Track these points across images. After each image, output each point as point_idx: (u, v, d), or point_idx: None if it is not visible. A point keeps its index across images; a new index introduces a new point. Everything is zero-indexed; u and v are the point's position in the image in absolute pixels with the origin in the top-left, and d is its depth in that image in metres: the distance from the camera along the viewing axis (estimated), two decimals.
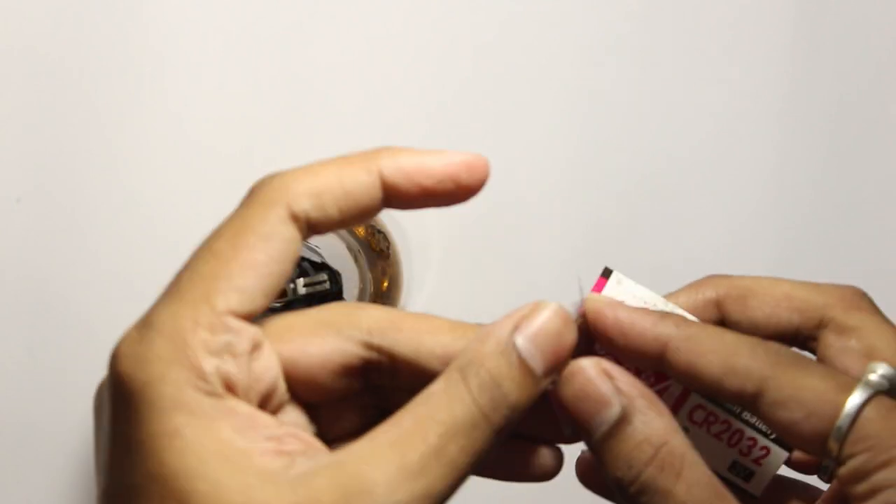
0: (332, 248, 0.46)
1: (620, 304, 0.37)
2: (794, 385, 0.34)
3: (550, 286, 0.61)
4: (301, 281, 0.43)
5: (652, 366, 0.36)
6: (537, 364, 0.33)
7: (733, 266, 0.62)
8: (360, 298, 0.48)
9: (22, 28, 0.60)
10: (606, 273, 0.37)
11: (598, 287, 0.37)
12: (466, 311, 0.61)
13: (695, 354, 0.35)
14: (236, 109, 0.61)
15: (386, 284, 0.52)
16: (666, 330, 0.36)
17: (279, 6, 0.60)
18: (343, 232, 0.49)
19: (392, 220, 0.55)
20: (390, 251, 0.52)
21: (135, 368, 0.32)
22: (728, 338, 0.35)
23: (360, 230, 0.51)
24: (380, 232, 0.52)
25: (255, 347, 0.33)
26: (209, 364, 0.31)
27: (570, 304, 0.36)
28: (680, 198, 0.61)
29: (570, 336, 0.34)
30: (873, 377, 0.34)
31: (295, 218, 0.34)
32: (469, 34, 0.61)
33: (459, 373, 0.33)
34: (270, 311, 0.44)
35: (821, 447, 0.33)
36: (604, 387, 0.34)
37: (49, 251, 0.60)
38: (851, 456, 0.33)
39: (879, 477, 0.32)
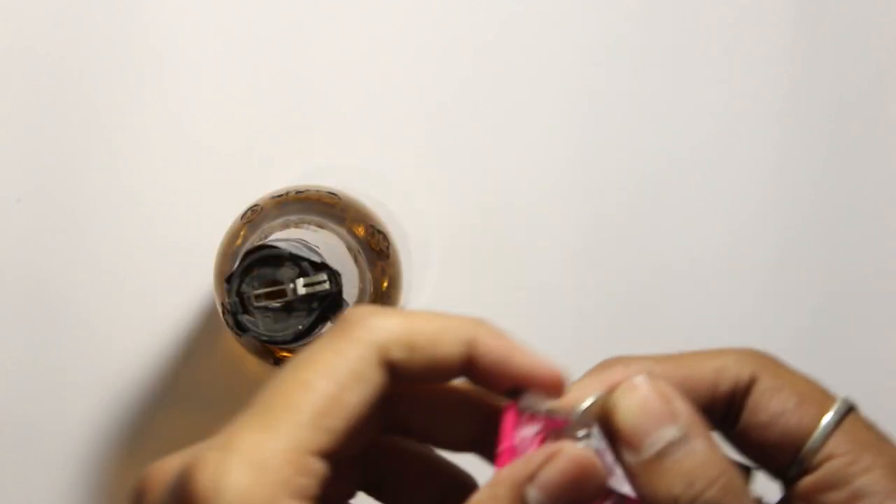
0: (332, 248, 0.46)
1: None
2: (787, 378, 0.35)
3: (550, 286, 0.61)
4: (301, 281, 0.43)
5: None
6: None
7: (733, 266, 0.62)
8: (360, 298, 0.48)
9: (22, 28, 0.60)
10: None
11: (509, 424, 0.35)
12: (466, 312, 0.61)
13: (687, 367, 0.35)
14: (236, 109, 0.61)
15: (386, 284, 0.52)
16: (623, 370, 0.35)
17: (279, 6, 0.60)
18: (343, 232, 0.49)
19: (392, 220, 0.55)
20: (390, 251, 0.52)
21: (212, 495, 0.32)
22: (670, 358, 0.35)
23: (360, 230, 0.51)
24: (380, 232, 0.52)
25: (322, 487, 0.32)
26: None
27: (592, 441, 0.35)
28: (680, 198, 0.61)
29: (591, 486, 0.33)
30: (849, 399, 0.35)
31: (388, 365, 0.33)
32: (469, 34, 0.61)
33: None
34: (267, 310, 0.44)
35: (802, 441, 0.33)
36: (666, 404, 0.34)
37: (49, 251, 0.60)
38: (832, 457, 0.33)
39: (861, 482, 0.33)
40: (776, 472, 0.35)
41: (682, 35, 0.61)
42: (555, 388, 0.35)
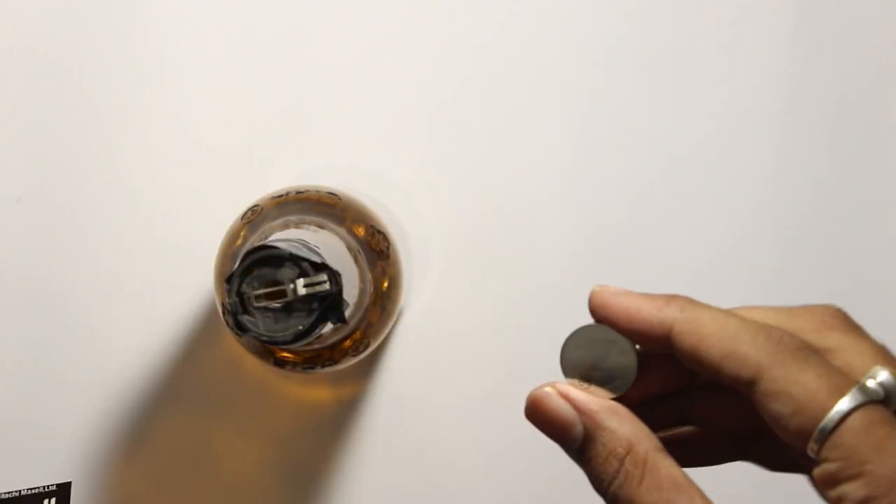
0: (332, 249, 0.46)
1: (625, 291, 0.38)
2: (788, 379, 0.34)
3: (550, 286, 0.61)
4: (301, 281, 0.43)
5: (659, 348, 0.37)
6: None
7: (733, 266, 0.62)
8: (361, 298, 0.48)
9: (22, 28, 0.60)
10: None
11: None
12: (467, 312, 0.61)
13: (697, 338, 0.36)
14: (236, 109, 0.61)
15: (386, 284, 0.52)
16: (671, 313, 0.36)
17: (279, 6, 0.60)
18: (343, 232, 0.49)
19: (392, 220, 0.55)
20: (390, 251, 0.52)
21: None
22: (731, 323, 0.36)
23: (360, 230, 0.51)
24: (380, 232, 0.52)
25: None
26: None
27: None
28: (680, 198, 0.61)
29: None
30: (870, 383, 0.35)
31: None
32: (469, 34, 0.61)
33: None
34: (267, 311, 0.44)
35: (803, 445, 0.34)
36: (563, 410, 0.36)
37: (49, 251, 0.60)
38: (827, 461, 0.33)
39: (846, 488, 0.33)
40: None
41: (682, 35, 0.61)
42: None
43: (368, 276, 0.49)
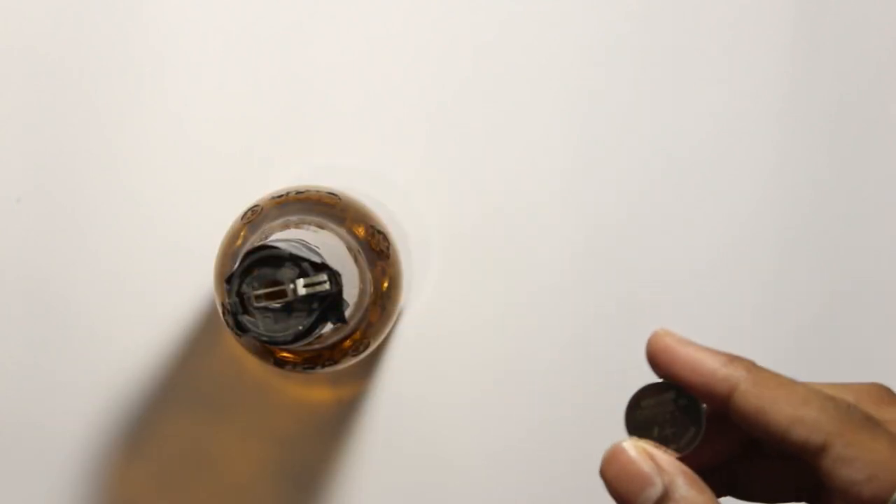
0: (332, 249, 0.46)
1: (689, 341, 0.37)
2: (862, 446, 0.34)
3: (550, 286, 0.61)
4: (301, 281, 0.43)
5: (716, 405, 0.36)
6: None
7: (734, 266, 0.62)
8: (360, 298, 0.48)
9: (22, 28, 0.60)
10: None
11: None
12: (467, 312, 0.61)
13: (764, 400, 0.35)
14: (236, 109, 0.61)
15: (386, 284, 0.52)
16: (736, 372, 0.36)
17: (279, 6, 0.60)
18: (343, 232, 0.49)
19: (392, 220, 0.55)
20: (390, 251, 0.52)
21: None
22: (799, 388, 0.36)
23: (360, 230, 0.51)
24: (380, 232, 0.52)
25: None
26: None
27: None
28: (680, 198, 0.61)
29: None
30: None
31: None
32: (469, 34, 0.61)
33: None
34: (267, 311, 0.44)
35: None
36: (645, 466, 0.36)
37: (49, 251, 0.60)
38: None
39: None
40: None
41: (682, 35, 0.61)
42: None
43: (368, 276, 0.49)
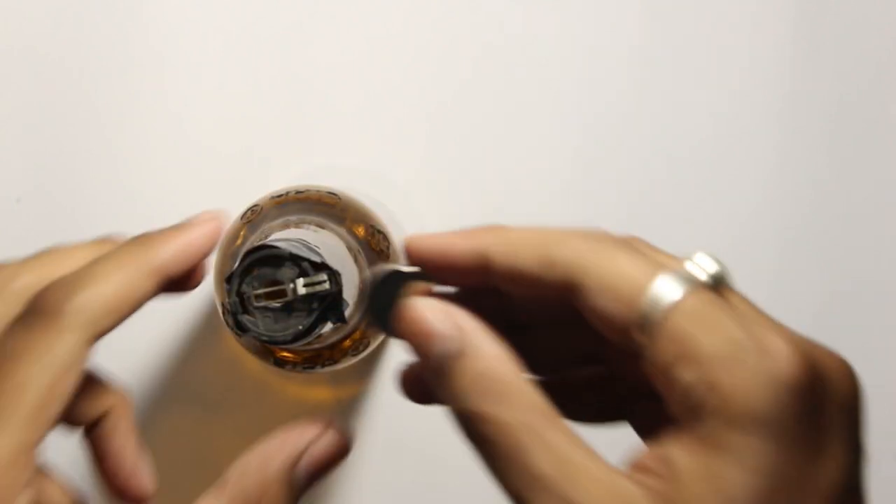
0: (332, 248, 0.46)
1: (438, 233, 0.37)
2: (610, 272, 0.33)
3: None
4: (301, 281, 0.43)
5: (479, 281, 0.35)
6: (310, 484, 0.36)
7: (734, 266, 0.62)
8: (360, 298, 0.48)
9: (22, 28, 0.60)
10: None
11: None
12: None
13: (513, 254, 0.34)
14: (236, 109, 0.61)
15: None
16: (485, 239, 0.35)
17: (279, 6, 0.60)
18: (343, 232, 0.49)
19: (392, 220, 0.55)
20: (390, 251, 0.52)
21: None
22: (546, 232, 0.34)
23: (360, 230, 0.51)
24: (380, 232, 0.52)
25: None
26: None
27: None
28: (680, 198, 0.61)
29: (346, 453, 0.37)
30: (693, 269, 0.34)
31: (97, 337, 0.36)
32: (469, 34, 0.61)
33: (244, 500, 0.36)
34: (267, 311, 0.44)
35: (632, 339, 0.32)
36: (438, 321, 0.34)
37: None
38: (657, 350, 0.32)
39: (680, 374, 0.31)
40: None
41: (682, 35, 0.61)
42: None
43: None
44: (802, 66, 0.61)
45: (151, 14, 0.60)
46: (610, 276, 0.33)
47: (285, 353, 0.50)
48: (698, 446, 0.31)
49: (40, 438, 0.34)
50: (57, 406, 0.35)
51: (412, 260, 0.37)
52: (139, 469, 0.43)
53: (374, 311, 0.38)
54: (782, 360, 0.31)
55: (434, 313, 0.35)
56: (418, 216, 0.60)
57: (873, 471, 0.34)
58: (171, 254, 0.37)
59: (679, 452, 0.31)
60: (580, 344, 0.38)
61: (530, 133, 0.61)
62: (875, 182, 0.61)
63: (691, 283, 0.33)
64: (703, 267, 0.34)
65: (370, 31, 0.61)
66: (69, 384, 0.35)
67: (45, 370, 0.35)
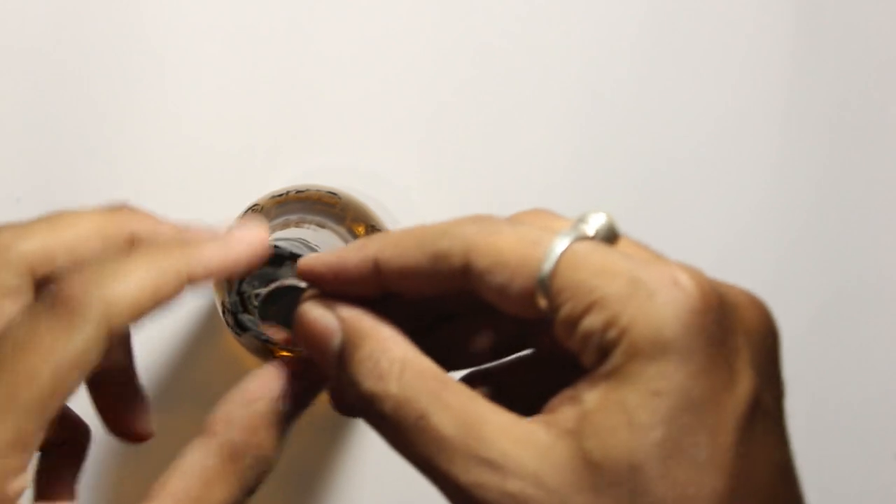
0: (332, 248, 0.46)
1: (327, 252, 0.36)
2: (497, 248, 0.33)
3: None
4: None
5: (378, 290, 0.35)
6: None
7: (734, 266, 0.62)
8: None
9: (22, 28, 0.60)
10: None
11: None
12: None
13: (400, 254, 0.34)
14: (236, 109, 0.61)
15: None
16: (372, 246, 0.35)
17: (279, 6, 0.60)
18: (343, 232, 0.49)
19: (392, 220, 0.55)
20: None
21: None
22: (431, 226, 0.34)
23: (361, 230, 0.51)
24: (380, 231, 0.52)
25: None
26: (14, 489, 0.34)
27: None
28: (680, 198, 0.61)
29: (323, 381, 0.37)
30: (580, 226, 0.34)
31: (114, 332, 0.36)
32: (469, 34, 0.61)
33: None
34: (266, 307, 0.44)
35: (536, 307, 0.32)
36: (324, 318, 0.35)
37: None
38: (559, 306, 0.32)
39: (585, 322, 0.31)
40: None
41: (683, 35, 0.61)
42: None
43: None
44: (803, 67, 0.61)
45: (151, 14, 0.60)
46: (498, 251, 0.33)
47: (285, 353, 0.50)
48: (604, 381, 0.31)
49: (40, 429, 0.34)
50: (62, 399, 0.34)
51: (307, 282, 0.37)
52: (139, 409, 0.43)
53: (272, 326, 0.38)
54: (687, 290, 0.31)
55: (316, 313, 0.35)
56: (418, 216, 0.60)
57: (873, 471, 0.34)
58: (207, 268, 0.36)
59: (587, 390, 0.31)
60: (502, 332, 0.38)
61: (530, 133, 0.61)
62: (875, 182, 0.61)
63: (577, 237, 0.33)
64: (589, 223, 0.34)
65: (370, 31, 0.61)
66: (79, 378, 0.35)
67: (58, 363, 0.34)
